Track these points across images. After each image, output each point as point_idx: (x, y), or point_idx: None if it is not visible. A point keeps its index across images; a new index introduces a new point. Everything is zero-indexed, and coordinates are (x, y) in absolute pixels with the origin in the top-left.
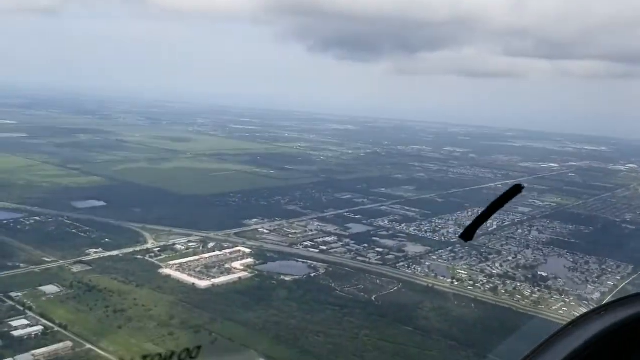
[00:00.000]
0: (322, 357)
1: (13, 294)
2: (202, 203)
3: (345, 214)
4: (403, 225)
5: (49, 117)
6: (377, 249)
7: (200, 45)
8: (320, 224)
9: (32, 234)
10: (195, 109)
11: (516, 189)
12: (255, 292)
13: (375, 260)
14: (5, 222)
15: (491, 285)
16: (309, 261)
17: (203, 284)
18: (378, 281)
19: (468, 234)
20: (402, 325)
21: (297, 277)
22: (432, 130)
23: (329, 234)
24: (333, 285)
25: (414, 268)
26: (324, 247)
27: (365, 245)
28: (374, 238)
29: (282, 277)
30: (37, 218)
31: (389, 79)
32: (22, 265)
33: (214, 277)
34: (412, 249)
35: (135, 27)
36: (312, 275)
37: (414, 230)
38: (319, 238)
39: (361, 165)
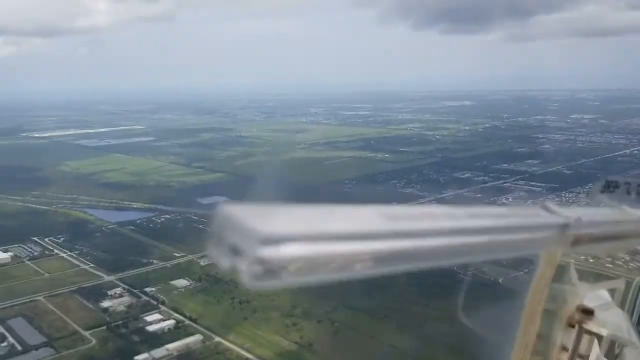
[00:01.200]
0: (445, 344)
1: (148, 289)
2: (318, 191)
3: (465, 193)
4: (529, 202)
5: (173, 119)
6: None
7: (304, 36)
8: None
9: (162, 232)
10: (307, 99)
11: None
12: (376, 279)
13: None
14: (139, 221)
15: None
16: None
17: None
18: (504, 262)
19: None
20: None
21: None
22: (556, 99)
23: None
24: (455, 268)
25: None
26: None
27: None
28: None
29: None
30: (167, 216)
31: (502, 49)
32: (155, 261)
33: None
34: None
35: (239, 25)
36: None
37: None
38: None
39: (480, 141)
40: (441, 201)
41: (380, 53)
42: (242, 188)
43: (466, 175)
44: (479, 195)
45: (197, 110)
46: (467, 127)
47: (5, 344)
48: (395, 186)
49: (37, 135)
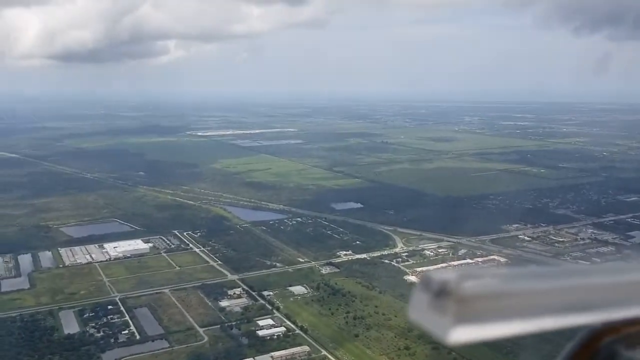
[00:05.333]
0: None
1: (265, 293)
2: (458, 205)
3: (629, 219)
4: None
5: (325, 123)
6: None
7: (453, 42)
8: (595, 231)
9: (291, 235)
10: (463, 107)
11: None
12: None
13: None
14: (271, 222)
15: None
16: None
17: None
18: None
19: None
20: None
21: None
22: None
23: (605, 243)
24: None
25: None
26: (598, 259)
27: None
28: None
29: None
30: (298, 219)
31: None
32: (278, 264)
33: None
34: None
35: (391, 32)
36: None
37: None
38: (592, 248)
39: None
40: (599, 226)
41: (537, 60)
42: (376, 196)
43: (633, 198)
44: None
45: (349, 115)
46: None
47: (126, 332)
48: (547, 206)
49: (199, 134)
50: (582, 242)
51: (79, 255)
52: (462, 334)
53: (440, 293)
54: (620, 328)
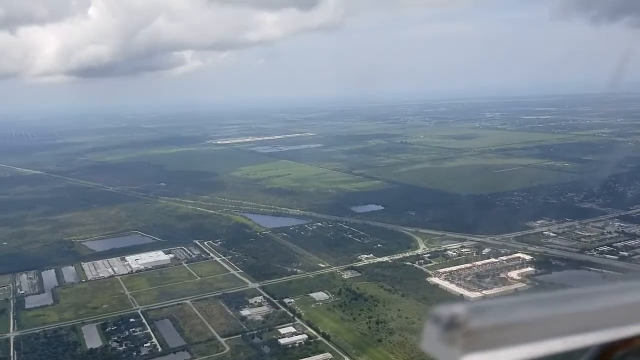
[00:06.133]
0: None
1: (287, 300)
2: (481, 203)
3: None
4: None
5: (344, 126)
6: None
7: (469, 39)
8: (623, 224)
9: (312, 240)
10: (483, 103)
11: None
12: None
13: None
14: (291, 228)
15: None
16: (604, 270)
17: (472, 295)
18: None
19: None
20: None
21: None
22: None
23: (633, 236)
24: None
25: None
26: (625, 253)
27: None
28: None
29: None
30: (319, 224)
31: None
32: (299, 271)
33: (485, 288)
34: None
35: (406, 32)
36: None
37: None
38: (619, 242)
39: None
40: (626, 219)
41: (563, 52)
42: (397, 197)
43: None
44: None
45: (369, 116)
46: None
47: (148, 344)
48: (572, 200)
49: (219, 142)
50: (608, 235)
51: (102, 269)
52: None
53: (450, 326)
54: (633, 341)
